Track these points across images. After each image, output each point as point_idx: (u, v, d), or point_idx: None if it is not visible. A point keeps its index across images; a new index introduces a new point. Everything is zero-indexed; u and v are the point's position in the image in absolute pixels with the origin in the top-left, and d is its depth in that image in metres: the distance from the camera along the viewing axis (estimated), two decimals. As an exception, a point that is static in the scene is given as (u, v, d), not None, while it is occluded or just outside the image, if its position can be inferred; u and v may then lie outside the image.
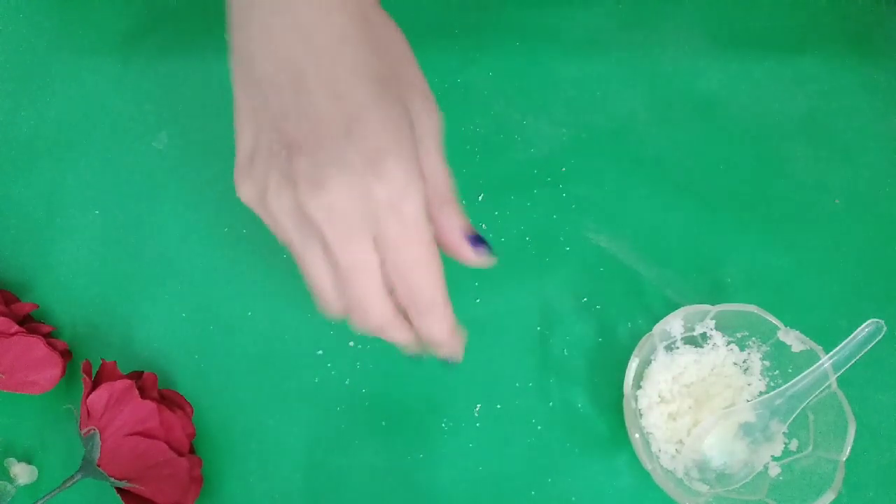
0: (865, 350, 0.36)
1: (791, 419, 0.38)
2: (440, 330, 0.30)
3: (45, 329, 0.42)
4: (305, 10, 0.26)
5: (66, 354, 0.42)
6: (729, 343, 0.41)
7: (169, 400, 0.40)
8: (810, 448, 0.38)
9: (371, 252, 0.27)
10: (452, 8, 0.50)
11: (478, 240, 0.31)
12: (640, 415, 0.39)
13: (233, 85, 0.29)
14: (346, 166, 0.25)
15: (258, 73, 0.27)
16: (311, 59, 0.26)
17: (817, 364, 0.37)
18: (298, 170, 0.26)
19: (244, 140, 0.28)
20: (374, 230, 0.27)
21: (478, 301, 0.43)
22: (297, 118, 0.26)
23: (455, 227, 0.30)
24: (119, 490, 0.38)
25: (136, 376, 0.40)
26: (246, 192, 0.28)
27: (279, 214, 0.27)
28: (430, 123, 0.29)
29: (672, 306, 0.41)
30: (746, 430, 0.39)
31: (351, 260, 0.27)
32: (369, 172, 0.25)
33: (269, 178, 0.27)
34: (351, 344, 0.43)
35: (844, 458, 0.36)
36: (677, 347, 0.41)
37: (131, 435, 0.37)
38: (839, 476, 0.36)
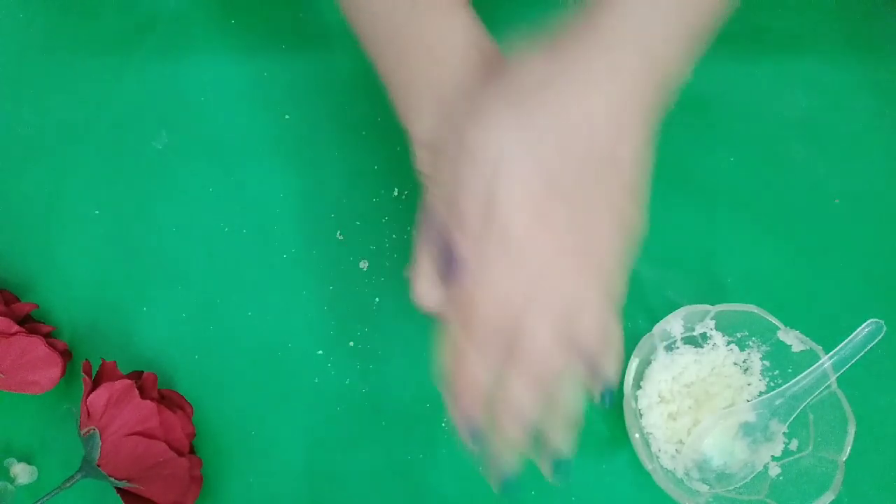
0: (865, 350, 0.36)
1: (791, 419, 0.38)
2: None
3: (45, 329, 0.42)
4: None
5: (66, 354, 0.42)
6: (729, 343, 0.41)
7: (169, 400, 0.40)
8: (810, 448, 0.38)
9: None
10: (452, 8, 0.49)
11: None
12: (640, 415, 0.39)
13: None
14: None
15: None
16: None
17: (817, 364, 0.37)
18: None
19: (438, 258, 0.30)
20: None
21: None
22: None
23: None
24: (119, 490, 0.38)
25: (136, 376, 0.40)
26: (431, 297, 0.31)
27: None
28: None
29: (672, 306, 0.41)
30: (746, 430, 0.40)
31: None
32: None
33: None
34: (351, 344, 0.43)
35: (844, 459, 0.36)
36: (677, 347, 0.41)
37: (131, 435, 0.37)
38: (839, 476, 0.36)
